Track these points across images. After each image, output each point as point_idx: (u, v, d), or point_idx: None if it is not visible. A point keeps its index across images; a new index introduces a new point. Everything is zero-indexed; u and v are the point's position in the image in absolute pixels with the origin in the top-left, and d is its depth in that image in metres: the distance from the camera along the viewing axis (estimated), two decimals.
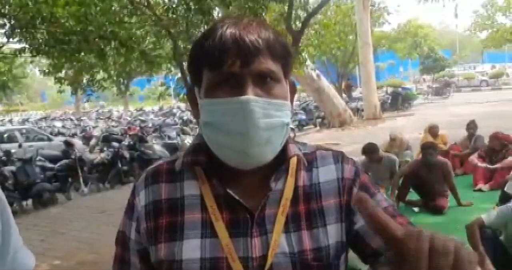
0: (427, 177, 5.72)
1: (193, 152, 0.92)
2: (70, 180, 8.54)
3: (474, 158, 6.82)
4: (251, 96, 0.81)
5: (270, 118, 0.82)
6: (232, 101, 0.81)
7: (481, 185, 6.45)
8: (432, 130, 8.02)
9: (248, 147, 0.82)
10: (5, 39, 6.71)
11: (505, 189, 4.67)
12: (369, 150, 6.15)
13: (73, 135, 16.67)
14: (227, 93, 0.82)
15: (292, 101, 0.93)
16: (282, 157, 0.90)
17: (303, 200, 0.90)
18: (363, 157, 6.25)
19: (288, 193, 0.89)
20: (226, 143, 0.84)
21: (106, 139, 12.42)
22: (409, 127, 8.64)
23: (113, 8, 7.29)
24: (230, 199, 0.87)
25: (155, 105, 32.88)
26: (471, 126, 7.77)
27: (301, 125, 16.81)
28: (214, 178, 0.89)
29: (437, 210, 5.60)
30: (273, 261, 0.84)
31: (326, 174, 0.93)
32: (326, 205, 0.90)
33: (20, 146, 11.17)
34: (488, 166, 6.55)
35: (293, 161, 0.92)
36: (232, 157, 0.85)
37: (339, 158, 0.96)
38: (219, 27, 0.85)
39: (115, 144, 10.41)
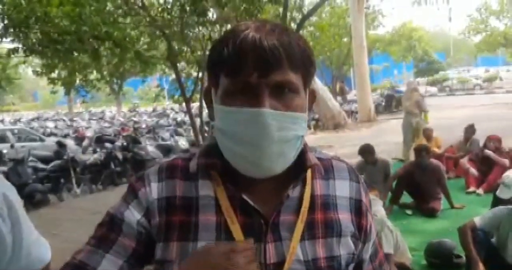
0: (420, 180, 5.74)
1: (207, 154, 0.91)
2: (62, 180, 8.46)
3: (465, 162, 6.84)
4: (267, 109, 0.79)
5: (284, 131, 0.81)
6: (247, 112, 0.80)
7: (473, 188, 6.48)
8: (426, 133, 8.03)
9: (260, 159, 0.81)
10: None
11: (497, 193, 4.68)
12: (366, 150, 6.16)
13: (66, 136, 16.59)
14: (243, 103, 0.80)
15: (310, 109, 0.92)
16: (300, 166, 0.89)
17: (320, 208, 0.90)
18: (358, 158, 6.26)
19: (306, 201, 0.89)
20: (238, 152, 0.83)
21: (99, 140, 12.38)
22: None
23: (107, 8, 7.28)
24: (245, 204, 0.86)
25: (149, 106, 32.69)
26: (469, 130, 7.72)
27: None
28: (228, 182, 0.87)
29: (430, 213, 5.61)
30: (289, 268, 0.84)
31: (342, 188, 0.95)
32: (342, 218, 0.91)
33: (12, 146, 11.09)
34: (473, 170, 6.57)
35: (310, 169, 0.92)
36: (243, 166, 0.84)
37: (353, 175, 0.98)
38: (240, 31, 0.82)
39: (108, 144, 10.35)
